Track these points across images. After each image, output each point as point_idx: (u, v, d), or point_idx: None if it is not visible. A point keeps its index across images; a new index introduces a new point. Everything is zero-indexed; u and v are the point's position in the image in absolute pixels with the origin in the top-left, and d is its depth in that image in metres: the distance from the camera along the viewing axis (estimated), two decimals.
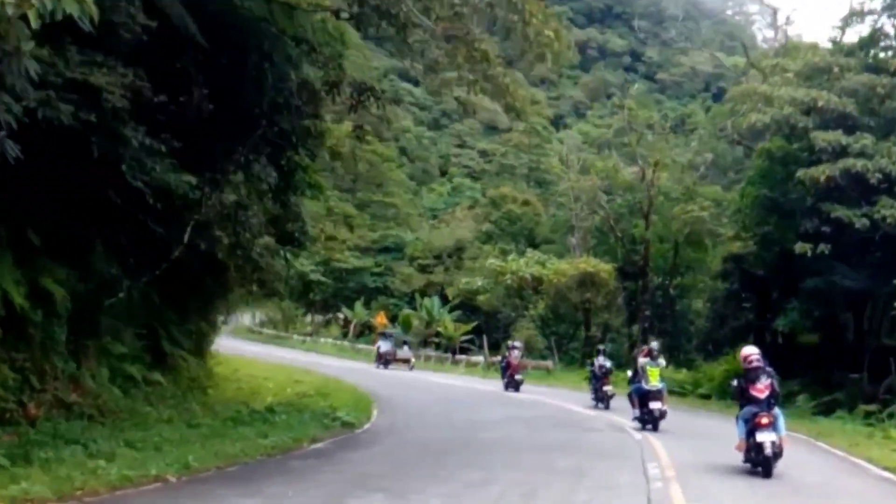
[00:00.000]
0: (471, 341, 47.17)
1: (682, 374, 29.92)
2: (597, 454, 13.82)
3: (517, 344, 29.49)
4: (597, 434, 17.22)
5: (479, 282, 42.26)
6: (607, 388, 22.37)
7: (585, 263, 37.03)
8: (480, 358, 40.86)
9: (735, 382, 12.64)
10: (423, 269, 54.97)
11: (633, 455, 13.77)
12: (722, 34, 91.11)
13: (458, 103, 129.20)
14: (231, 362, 23.81)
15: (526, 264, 41.68)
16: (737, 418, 12.43)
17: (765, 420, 11.79)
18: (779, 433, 11.95)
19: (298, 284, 62.44)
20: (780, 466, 12.07)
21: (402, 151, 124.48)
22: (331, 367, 32.99)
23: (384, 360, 37.36)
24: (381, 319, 49.40)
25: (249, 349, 37.12)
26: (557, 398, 25.77)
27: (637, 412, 17.82)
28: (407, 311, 51.55)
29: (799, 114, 23.92)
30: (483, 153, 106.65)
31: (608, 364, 22.94)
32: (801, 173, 23.13)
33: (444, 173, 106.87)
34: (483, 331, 45.61)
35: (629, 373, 19.24)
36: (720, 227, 31.53)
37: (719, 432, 15.68)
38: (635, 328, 36.64)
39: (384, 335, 40.44)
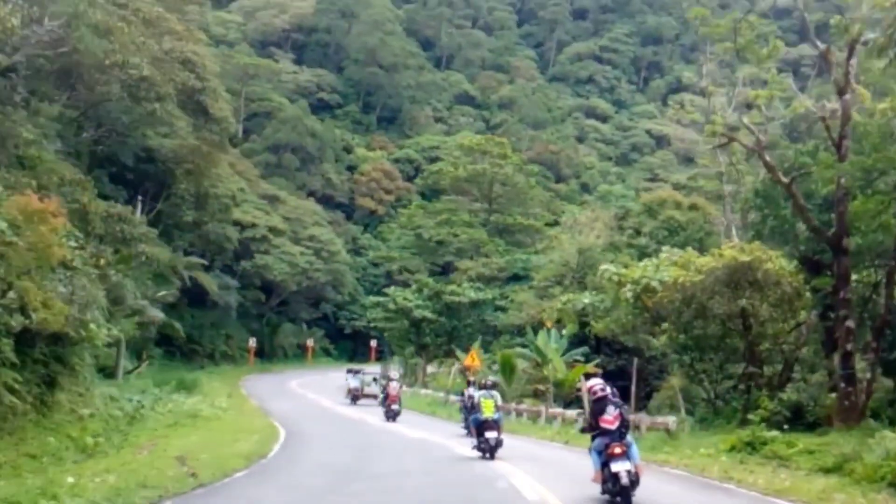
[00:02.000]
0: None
1: None
2: None
3: (394, 375, 32.99)
4: None
5: (585, 299, 27.76)
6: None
7: (738, 250, 21.89)
8: (575, 413, 26.48)
9: (584, 415, 13.68)
10: (542, 295, 41.28)
11: None
12: None
13: (649, 136, 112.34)
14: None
15: (656, 268, 26.78)
16: (589, 450, 12.64)
17: (618, 450, 11.95)
18: (633, 461, 12.06)
19: (401, 324, 50.92)
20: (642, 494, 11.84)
21: (584, 188, 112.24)
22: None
23: (353, 396, 40.19)
24: (471, 362, 36.20)
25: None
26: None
27: (475, 441, 18.55)
28: (510, 350, 37.88)
29: None
30: (677, 185, 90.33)
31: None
32: None
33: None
34: (607, 371, 31.17)
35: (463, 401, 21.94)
36: None
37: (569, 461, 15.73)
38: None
39: (352, 371, 41.99)
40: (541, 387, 34.24)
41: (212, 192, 49.39)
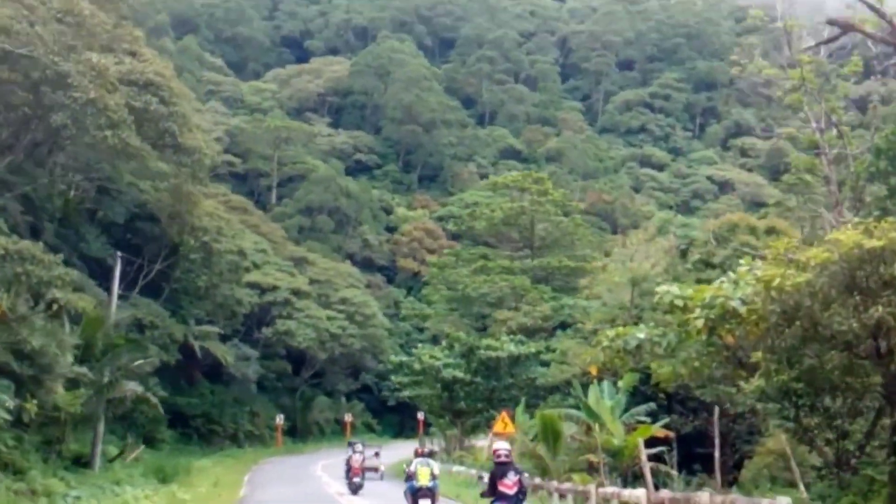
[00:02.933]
0: (658, 458, 25.11)
1: None
2: None
3: (358, 447, 31.56)
4: None
5: (640, 333, 20.10)
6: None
7: (862, 232, 14.48)
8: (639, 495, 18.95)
9: (487, 478, 12.97)
10: (591, 342, 33.72)
11: None
12: None
13: (711, 182, 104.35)
14: None
15: (735, 285, 19.20)
16: None
17: None
18: None
19: (431, 388, 43.70)
20: None
21: None
22: None
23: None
24: (502, 428, 28.86)
25: None
26: None
27: None
28: (552, 411, 30.16)
29: None
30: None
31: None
32: None
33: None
34: (681, 435, 23.61)
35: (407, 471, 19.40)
36: None
37: None
38: None
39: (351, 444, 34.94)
40: (593, 457, 26.54)
41: (215, 247, 43.49)
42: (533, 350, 39.56)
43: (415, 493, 18.50)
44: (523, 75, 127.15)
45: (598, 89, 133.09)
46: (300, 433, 64.44)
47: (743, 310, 17.49)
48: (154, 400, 33.08)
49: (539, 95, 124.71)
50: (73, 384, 30.82)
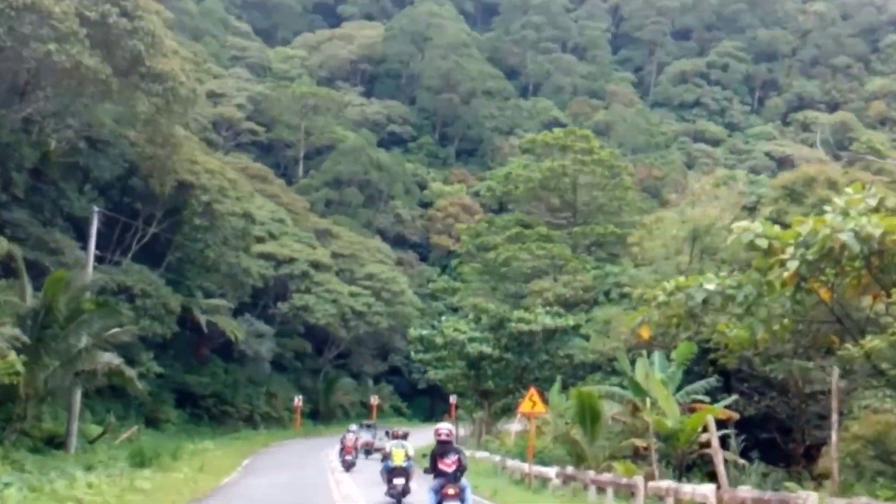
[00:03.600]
0: (722, 442, 19.79)
1: None
2: None
3: (353, 428, 32.72)
4: None
5: (709, 285, 14.41)
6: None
7: None
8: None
9: (429, 457, 13.58)
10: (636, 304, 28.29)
11: None
12: None
13: (769, 158, 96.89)
14: None
15: (846, 215, 13.47)
16: (428, 489, 13.43)
17: (451, 491, 12.92)
18: (465, 502, 13.07)
19: (455, 367, 38.71)
20: None
21: None
22: None
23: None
24: (530, 408, 23.60)
25: None
26: None
27: (386, 487, 19.00)
28: (590, 388, 24.71)
29: None
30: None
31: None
32: None
33: None
34: (744, 417, 18.21)
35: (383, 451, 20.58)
36: None
37: None
38: None
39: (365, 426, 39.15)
40: (640, 442, 21.22)
41: (217, 208, 38.92)
42: (571, 323, 34.21)
43: (389, 472, 19.05)
44: (571, 44, 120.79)
45: (651, 60, 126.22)
46: (322, 416, 59.99)
47: (856, 245, 12.19)
48: (130, 373, 28.49)
49: (587, 66, 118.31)
50: (32, 353, 26.56)
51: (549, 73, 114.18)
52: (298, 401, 55.83)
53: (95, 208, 31.01)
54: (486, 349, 34.60)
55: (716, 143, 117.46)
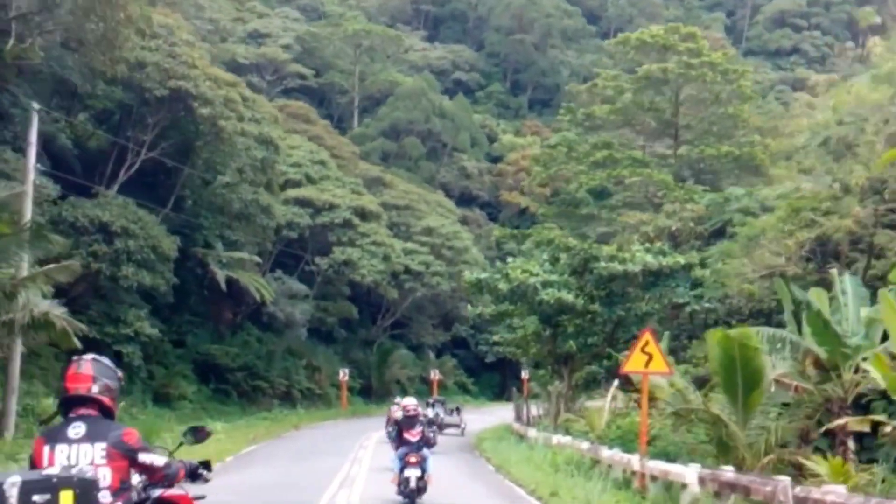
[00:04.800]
0: None
1: None
2: None
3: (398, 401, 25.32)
4: None
5: None
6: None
7: None
8: None
9: (395, 427, 14.95)
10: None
11: None
12: None
13: None
14: None
15: None
16: (394, 456, 14.43)
17: (413, 459, 13.88)
18: (425, 471, 13.94)
19: (526, 324, 29.63)
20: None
21: None
22: None
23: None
24: (641, 364, 14.27)
25: None
26: None
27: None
28: (740, 332, 15.12)
29: None
30: None
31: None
32: None
33: None
34: None
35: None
36: None
37: None
38: None
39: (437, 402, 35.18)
40: (842, 422, 11.71)
41: (222, 125, 30.62)
42: (682, 261, 24.68)
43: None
44: None
45: (744, 3, 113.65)
46: (375, 393, 51.67)
47: None
48: (63, 324, 20.27)
49: (674, 9, 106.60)
50: None
51: (632, 17, 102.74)
52: (345, 375, 47.65)
53: (35, 106, 22.95)
54: (567, 297, 25.34)
55: (816, 95, 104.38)
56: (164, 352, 37.90)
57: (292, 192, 44.23)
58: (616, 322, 26.28)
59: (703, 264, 24.68)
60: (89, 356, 4.76)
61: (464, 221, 64.46)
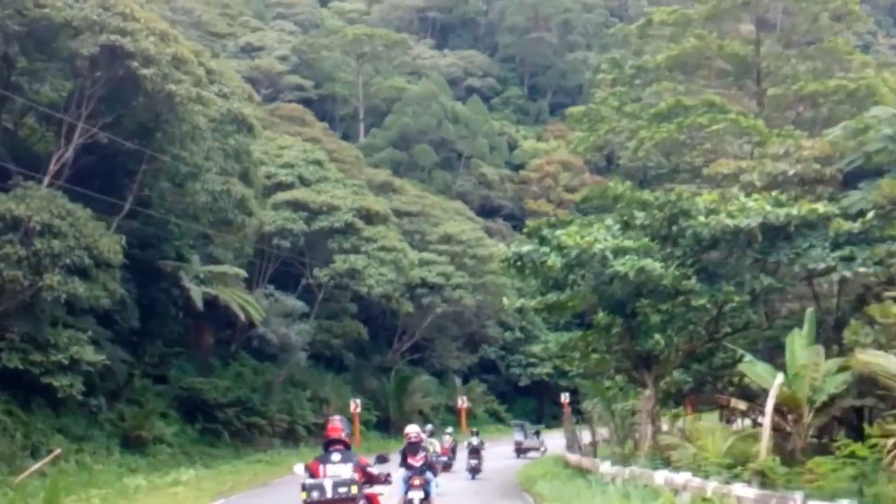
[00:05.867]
0: None
1: None
2: None
3: (449, 430, 32.62)
4: None
5: None
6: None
7: None
8: None
9: (402, 452, 14.92)
10: None
11: None
12: None
13: None
14: None
15: None
16: (399, 479, 14.28)
17: (416, 482, 14.52)
18: (429, 494, 14.61)
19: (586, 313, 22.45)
20: None
21: None
22: None
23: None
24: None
25: None
26: None
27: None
28: None
29: None
30: None
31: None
32: None
33: None
34: None
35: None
36: None
37: None
38: None
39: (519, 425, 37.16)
40: None
41: (174, 92, 24.27)
42: (820, 210, 17.50)
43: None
44: None
45: None
46: (394, 426, 44.59)
47: None
48: None
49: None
50: None
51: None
52: (356, 406, 40.80)
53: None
54: (654, 266, 18.18)
55: None
56: (135, 388, 31.49)
57: (283, 196, 37.91)
58: (720, 305, 19.12)
59: (846, 215, 17.57)
60: (337, 417, 9.87)
61: (486, 232, 57.88)
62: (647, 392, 21.09)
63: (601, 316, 22.25)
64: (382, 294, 38.71)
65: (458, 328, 50.80)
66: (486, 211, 64.18)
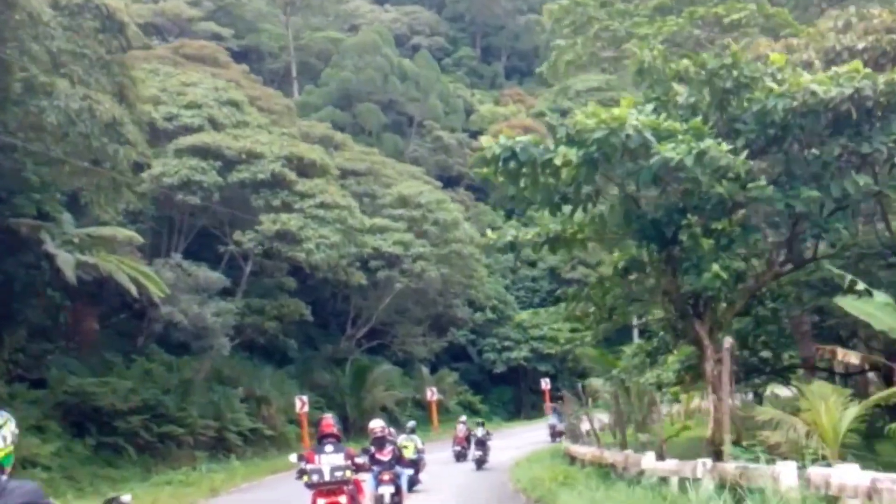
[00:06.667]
0: None
1: None
2: None
3: (463, 419, 30.46)
4: None
5: None
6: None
7: None
8: None
9: (368, 449, 14.51)
10: None
11: None
12: None
13: None
14: None
15: None
16: (370, 476, 14.25)
17: (386, 477, 14.46)
18: (399, 487, 14.68)
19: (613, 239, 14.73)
20: None
21: None
22: None
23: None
24: None
25: None
26: None
27: None
28: None
29: None
30: None
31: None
32: None
33: None
34: None
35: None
36: None
37: None
38: None
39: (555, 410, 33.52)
40: None
41: None
42: None
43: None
44: None
45: None
46: (354, 425, 36.24)
47: None
48: None
49: None
50: None
51: None
52: (303, 404, 32.64)
53: None
54: (721, 150, 10.96)
55: None
56: None
57: (188, 140, 29.54)
58: (795, 220, 11.90)
59: None
60: (329, 415, 11.81)
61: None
62: (708, 348, 13.51)
63: (619, 255, 15.33)
64: (325, 261, 30.46)
65: (421, 309, 42.87)
66: (446, 180, 56.29)
